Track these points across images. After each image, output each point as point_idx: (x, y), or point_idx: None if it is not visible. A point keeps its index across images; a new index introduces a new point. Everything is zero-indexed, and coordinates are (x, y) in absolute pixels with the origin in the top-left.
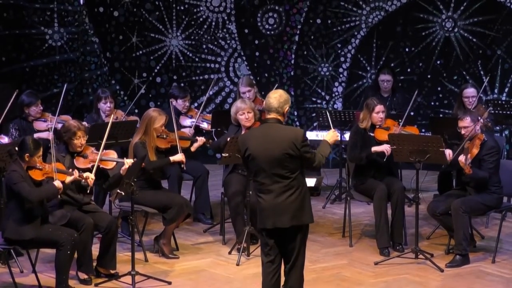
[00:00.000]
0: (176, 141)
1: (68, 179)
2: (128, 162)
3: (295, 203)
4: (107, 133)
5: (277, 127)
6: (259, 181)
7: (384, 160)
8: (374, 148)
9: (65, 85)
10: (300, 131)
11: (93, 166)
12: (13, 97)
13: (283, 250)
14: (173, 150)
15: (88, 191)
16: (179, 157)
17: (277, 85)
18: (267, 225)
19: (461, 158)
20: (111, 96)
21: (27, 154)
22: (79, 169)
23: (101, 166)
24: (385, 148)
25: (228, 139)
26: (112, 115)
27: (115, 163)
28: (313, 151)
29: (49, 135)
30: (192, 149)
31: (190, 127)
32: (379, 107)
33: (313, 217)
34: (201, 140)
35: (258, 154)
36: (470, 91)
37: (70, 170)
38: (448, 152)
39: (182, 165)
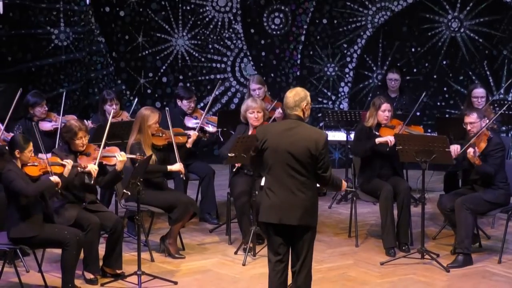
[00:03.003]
0: (171, 138)
1: (66, 170)
2: (122, 155)
3: (306, 203)
4: (107, 132)
5: (301, 125)
6: (273, 175)
7: (387, 150)
8: (378, 139)
9: (65, 86)
10: (324, 134)
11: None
12: (17, 96)
13: (292, 249)
14: (170, 147)
15: (92, 183)
16: (177, 167)
17: (294, 84)
18: (273, 219)
19: (470, 150)
20: (116, 98)
21: (17, 150)
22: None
23: (104, 162)
24: (389, 138)
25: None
26: (118, 117)
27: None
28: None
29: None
30: (188, 145)
31: (194, 128)
32: (386, 105)
33: (317, 222)
34: (194, 134)
35: (277, 146)
36: (479, 91)
37: (65, 161)
38: (455, 147)
39: (182, 175)
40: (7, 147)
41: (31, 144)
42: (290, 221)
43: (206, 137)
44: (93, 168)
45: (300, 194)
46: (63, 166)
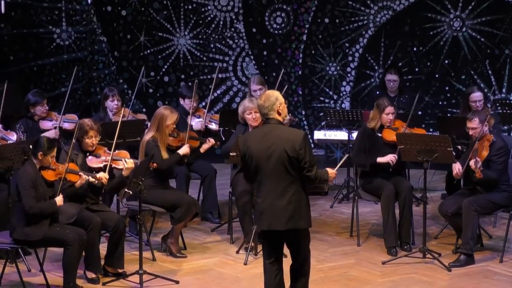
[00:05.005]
0: (185, 141)
1: (79, 181)
2: (128, 162)
3: (291, 206)
4: (118, 132)
5: (278, 128)
6: (258, 182)
7: (390, 170)
8: (380, 159)
9: (71, 80)
10: (300, 133)
11: (105, 166)
12: (3, 93)
13: (289, 251)
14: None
15: (102, 191)
16: (185, 149)
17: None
18: (263, 226)
19: (472, 162)
20: (118, 94)
21: (41, 153)
22: (91, 168)
23: (112, 165)
24: (390, 158)
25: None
26: (120, 113)
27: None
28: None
29: (56, 133)
30: (202, 150)
31: (199, 129)
32: (390, 109)
33: (311, 222)
34: (210, 142)
35: (258, 154)
36: (477, 95)
37: (82, 172)
38: (457, 167)
39: (185, 159)
40: (30, 146)
41: (55, 150)
42: (277, 227)
43: (217, 145)
44: (104, 176)
45: (285, 198)
46: (79, 176)
